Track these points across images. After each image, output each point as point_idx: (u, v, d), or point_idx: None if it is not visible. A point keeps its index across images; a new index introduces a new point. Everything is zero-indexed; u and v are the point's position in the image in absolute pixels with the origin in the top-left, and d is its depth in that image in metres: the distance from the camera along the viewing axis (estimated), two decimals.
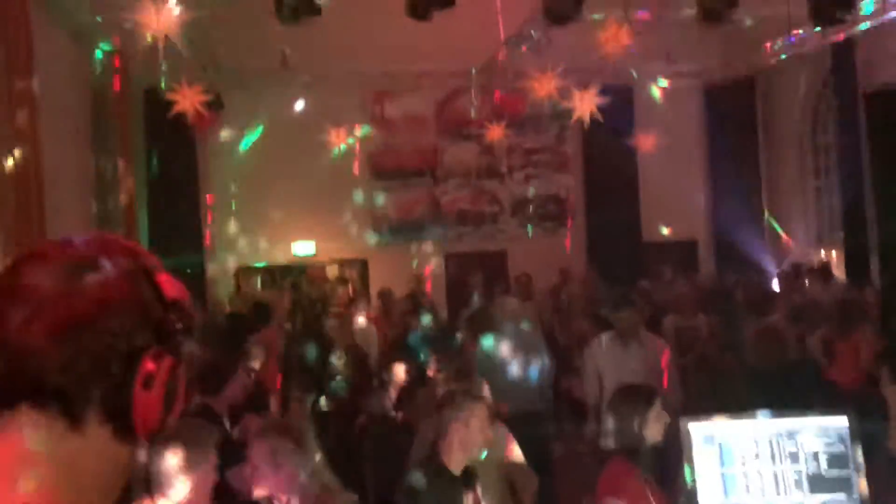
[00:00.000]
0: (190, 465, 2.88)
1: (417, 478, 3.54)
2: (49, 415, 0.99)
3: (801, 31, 9.85)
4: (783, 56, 11.05)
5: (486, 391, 4.40)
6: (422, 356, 6.42)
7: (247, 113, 11.46)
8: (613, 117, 8.77)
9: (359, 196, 12.25)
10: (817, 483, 3.13)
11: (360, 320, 8.41)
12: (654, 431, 3.43)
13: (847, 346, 5.05)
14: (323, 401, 6.70)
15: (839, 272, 10.40)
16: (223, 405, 4.64)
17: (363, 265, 12.51)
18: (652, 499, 3.28)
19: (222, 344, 6.34)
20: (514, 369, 6.08)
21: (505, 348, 6.13)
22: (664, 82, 12.25)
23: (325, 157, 11.00)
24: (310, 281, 11.67)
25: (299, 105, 11.46)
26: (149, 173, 10.97)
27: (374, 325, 8.56)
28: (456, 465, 3.58)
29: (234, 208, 11.75)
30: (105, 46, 9.32)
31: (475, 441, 3.61)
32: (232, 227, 11.88)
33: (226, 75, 10.38)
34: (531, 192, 12.94)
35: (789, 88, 12.14)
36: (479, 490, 3.63)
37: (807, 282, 9.85)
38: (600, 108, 8.37)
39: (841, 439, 3.15)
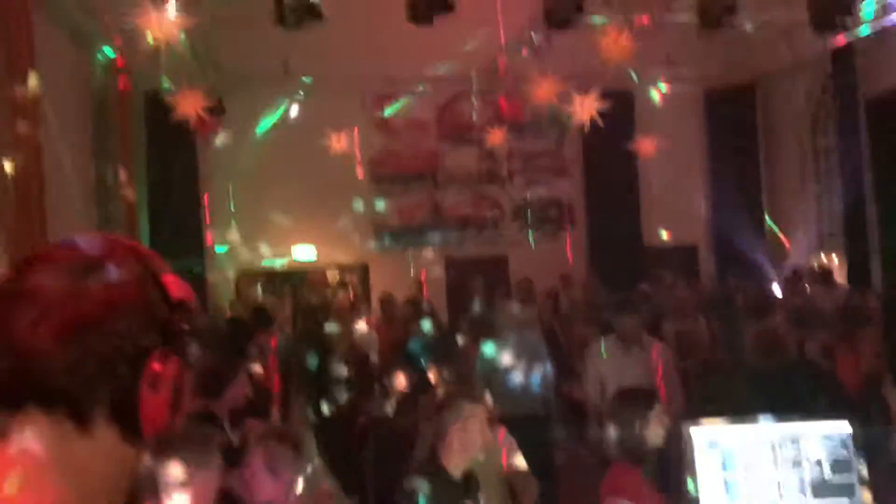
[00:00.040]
0: (195, 468, 2.87)
1: (417, 481, 3.53)
2: (56, 416, 0.99)
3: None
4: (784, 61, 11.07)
5: (486, 396, 4.39)
6: (423, 362, 6.41)
7: (248, 117, 11.46)
8: (614, 122, 8.77)
9: (359, 201, 12.25)
10: (820, 488, 3.12)
11: (361, 325, 8.40)
12: (655, 435, 3.43)
13: (849, 350, 5.05)
14: (324, 405, 6.69)
15: (840, 277, 10.39)
16: (223, 409, 4.63)
17: (364, 270, 12.50)
18: (654, 499, 3.27)
19: (223, 348, 6.32)
20: (516, 374, 6.07)
21: (507, 353, 6.13)
22: (665, 87, 12.25)
23: (326, 161, 11.01)
24: (310, 286, 11.66)
25: (299, 109, 11.46)
26: (149, 177, 10.97)
27: (374, 331, 8.55)
28: (455, 467, 3.58)
29: (234, 212, 11.74)
30: (106, 50, 9.31)
31: (474, 443, 3.60)
32: (233, 231, 11.87)
33: (227, 78, 10.38)
34: (532, 196, 12.94)
35: (790, 93, 12.14)
36: (480, 497, 3.62)
37: (808, 287, 9.84)
38: (601, 113, 8.36)
39: (844, 445, 3.14)
